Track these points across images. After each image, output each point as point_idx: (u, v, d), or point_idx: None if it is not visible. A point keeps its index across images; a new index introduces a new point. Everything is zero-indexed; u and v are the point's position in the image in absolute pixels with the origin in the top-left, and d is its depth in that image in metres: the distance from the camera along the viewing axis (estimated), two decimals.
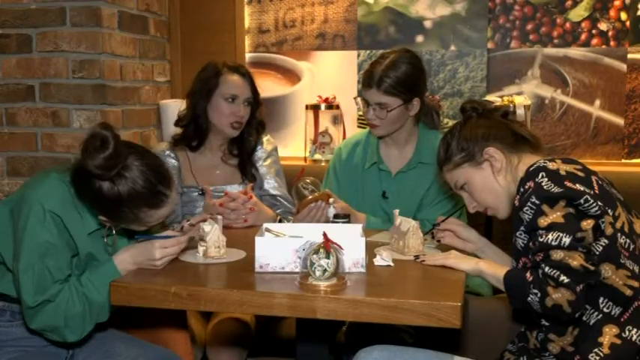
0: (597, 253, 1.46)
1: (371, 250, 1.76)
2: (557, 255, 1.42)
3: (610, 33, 2.97)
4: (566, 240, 1.42)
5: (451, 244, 1.88)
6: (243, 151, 2.44)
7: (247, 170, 2.44)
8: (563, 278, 1.40)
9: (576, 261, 1.40)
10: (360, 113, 3.01)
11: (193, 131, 2.41)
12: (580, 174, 1.50)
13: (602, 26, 2.98)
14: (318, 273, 1.51)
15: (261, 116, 2.49)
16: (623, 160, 3.01)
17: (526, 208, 1.50)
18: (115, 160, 1.55)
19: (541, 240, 1.45)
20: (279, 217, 2.31)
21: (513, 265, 1.63)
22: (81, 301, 1.64)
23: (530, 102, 2.94)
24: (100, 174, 1.56)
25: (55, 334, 1.66)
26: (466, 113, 1.81)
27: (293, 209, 2.39)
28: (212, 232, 1.76)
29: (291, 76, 3.31)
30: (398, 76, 2.19)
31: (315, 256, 1.52)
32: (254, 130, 2.45)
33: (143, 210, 1.63)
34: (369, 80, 2.22)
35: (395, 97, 2.20)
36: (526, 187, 1.51)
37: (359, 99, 2.31)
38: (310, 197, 2.09)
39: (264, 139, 2.50)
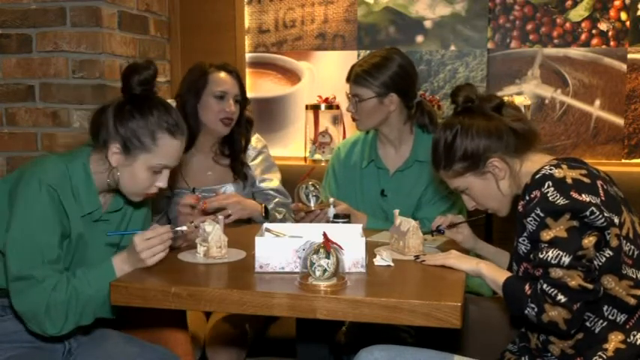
0: (600, 264, 1.46)
1: (371, 250, 1.76)
2: (556, 273, 1.42)
3: (610, 33, 2.97)
4: (566, 260, 1.41)
5: (449, 235, 1.90)
6: (234, 151, 2.46)
7: (239, 169, 2.45)
8: (561, 297, 1.40)
9: (575, 280, 1.40)
10: None
11: None
12: (586, 180, 1.48)
13: (602, 26, 2.98)
14: (318, 273, 1.51)
15: (249, 114, 2.52)
16: (623, 160, 3.01)
17: (530, 218, 1.48)
18: (154, 78, 1.76)
19: (541, 256, 1.45)
20: (263, 205, 2.32)
21: (514, 269, 1.62)
22: (68, 290, 1.62)
23: (530, 102, 2.94)
24: (141, 87, 1.72)
25: (34, 323, 1.63)
26: (459, 107, 1.70)
27: (286, 201, 2.45)
28: (214, 232, 1.76)
29: (291, 76, 3.31)
30: (369, 68, 2.23)
31: (315, 256, 1.52)
32: (243, 128, 2.47)
33: (162, 131, 1.71)
34: (348, 75, 2.30)
35: (365, 89, 2.23)
36: (532, 195, 1.49)
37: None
38: (306, 209, 2.12)
39: (253, 137, 2.52)
